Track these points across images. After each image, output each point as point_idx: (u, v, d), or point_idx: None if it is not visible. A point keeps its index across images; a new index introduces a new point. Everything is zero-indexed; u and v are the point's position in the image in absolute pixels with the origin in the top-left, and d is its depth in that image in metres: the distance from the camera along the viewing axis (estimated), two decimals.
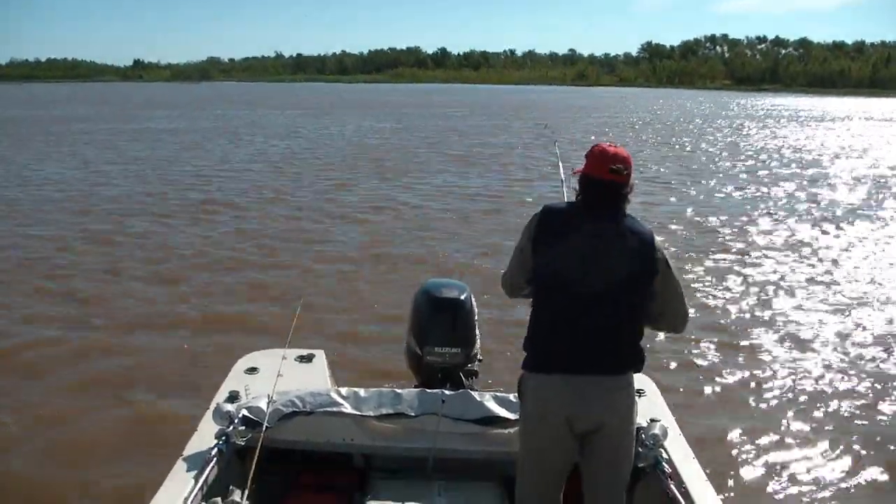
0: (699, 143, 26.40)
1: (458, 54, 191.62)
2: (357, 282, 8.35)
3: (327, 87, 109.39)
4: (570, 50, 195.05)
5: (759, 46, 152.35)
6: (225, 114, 40.72)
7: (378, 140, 26.23)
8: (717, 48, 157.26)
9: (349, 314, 7.18)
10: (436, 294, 3.44)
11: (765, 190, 15.68)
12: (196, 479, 2.53)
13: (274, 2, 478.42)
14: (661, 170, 18.51)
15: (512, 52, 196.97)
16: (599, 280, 2.39)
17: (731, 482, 4.43)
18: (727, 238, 10.92)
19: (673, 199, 14.33)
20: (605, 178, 2.43)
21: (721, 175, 17.96)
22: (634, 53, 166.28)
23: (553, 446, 2.49)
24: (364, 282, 8.36)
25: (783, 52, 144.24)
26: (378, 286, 8.13)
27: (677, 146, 25.34)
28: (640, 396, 3.01)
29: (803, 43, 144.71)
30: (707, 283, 8.50)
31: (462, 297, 3.43)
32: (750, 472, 4.59)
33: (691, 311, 2.83)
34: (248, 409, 2.84)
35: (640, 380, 3.14)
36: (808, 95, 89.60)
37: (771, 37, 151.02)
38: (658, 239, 2.46)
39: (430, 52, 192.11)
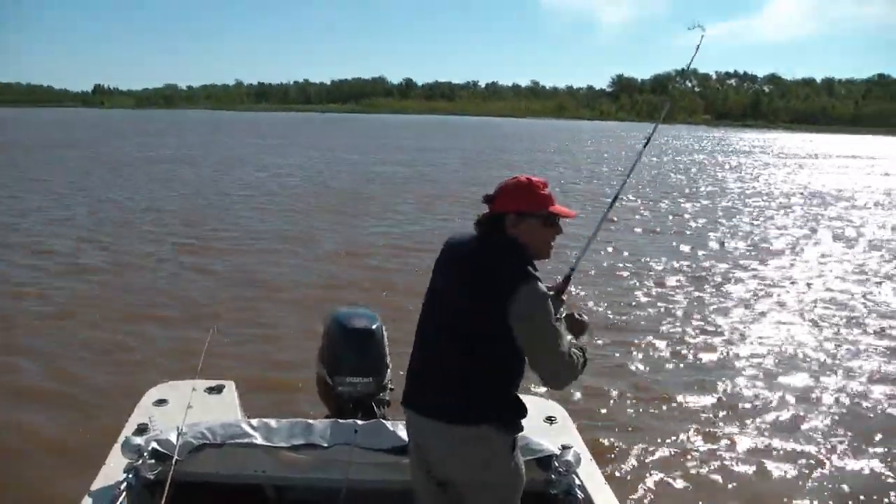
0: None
1: (423, 85, 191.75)
2: (268, 311, 8.29)
3: (318, 117, 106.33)
4: (534, 81, 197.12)
5: (729, 81, 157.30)
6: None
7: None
8: (688, 82, 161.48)
9: (260, 344, 7.15)
10: (346, 323, 3.43)
11: None
12: None
13: (231, 29, 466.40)
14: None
15: (475, 83, 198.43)
16: (445, 315, 2.24)
17: None
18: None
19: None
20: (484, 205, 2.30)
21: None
22: (598, 87, 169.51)
23: (417, 483, 2.41)
24: (275, 311, 8.28)
25: (753, 86, 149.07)
26: (289, 316, 8.08)
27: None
28: (551, 424, 3.22)
29: (773, 79, 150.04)
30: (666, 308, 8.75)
31: (373, 327, 3.44)
32: (663, 495, 4.60)
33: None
34: (158, 441, 2.73)
35: (551, 407, 3.41)
36: (795, 132, 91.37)
37: (731, 70, 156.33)
38: (528, 286, 2.10)
39: (395, 82, 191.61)
